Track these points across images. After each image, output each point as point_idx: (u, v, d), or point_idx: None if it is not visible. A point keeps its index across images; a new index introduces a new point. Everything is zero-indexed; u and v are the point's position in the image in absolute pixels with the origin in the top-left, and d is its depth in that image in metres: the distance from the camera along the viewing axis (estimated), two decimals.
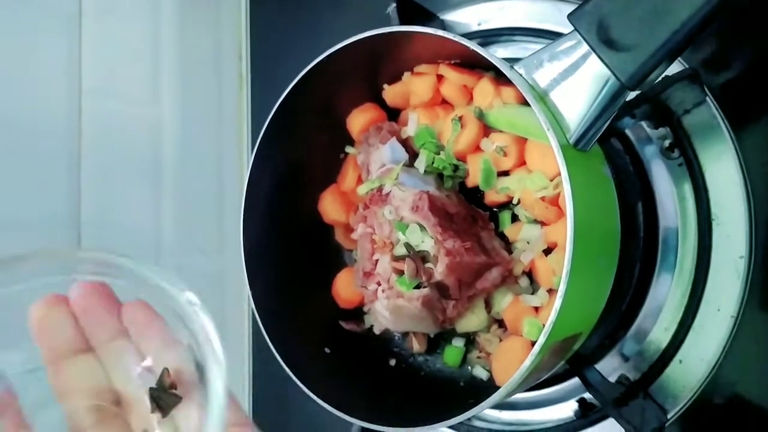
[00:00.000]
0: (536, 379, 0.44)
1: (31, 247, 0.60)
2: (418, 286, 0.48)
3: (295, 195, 0.55)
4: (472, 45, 0.40)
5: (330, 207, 0.55)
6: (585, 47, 0.37)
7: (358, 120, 0.53)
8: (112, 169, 0.66)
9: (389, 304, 0.49)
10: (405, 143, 0.52)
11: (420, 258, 0.48)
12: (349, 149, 0.55)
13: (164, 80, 0.71)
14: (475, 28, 0.59)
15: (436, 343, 0.54)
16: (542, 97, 0.39)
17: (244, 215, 0.50)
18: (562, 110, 0.39)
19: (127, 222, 0.68)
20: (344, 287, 0.55)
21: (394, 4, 0.54)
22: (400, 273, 0.48)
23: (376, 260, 0.50)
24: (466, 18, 0.59)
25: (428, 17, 0.59)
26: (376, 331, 0.54)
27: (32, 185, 0.60)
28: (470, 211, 0.50)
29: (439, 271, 0.47)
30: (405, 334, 0.55)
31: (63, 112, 0.62)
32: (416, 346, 0.54)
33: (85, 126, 0.64)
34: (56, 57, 0.62)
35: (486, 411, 0.58)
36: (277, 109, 0.49)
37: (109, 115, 0.65)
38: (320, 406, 0.46)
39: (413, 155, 0.51)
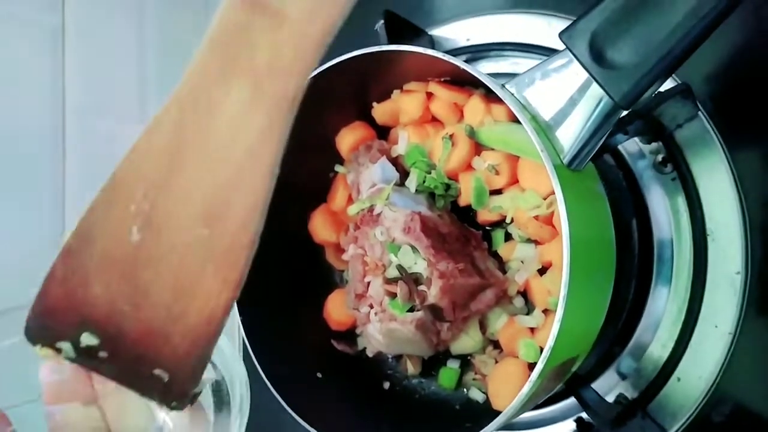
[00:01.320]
0: (533, 404, 0.44)
1: (15, 271, 0.59)
2: (411, 309, 0.47)
3: (284, 215, 0.53)
4: (461, 63, 0.40)
5: (320, 227, 0.54)
6: (577, 66, 0.36)
7: (348, 139, 0.52)
8: (97, 189, 0.65)
9: (382, 328, 0.48)
10: (395, 162, 0.51)
11: (413, 280, 0.47)
12: (338, 168, 0.54)
13: (151, 97, 0.70)
14: (463, 43, 0.58)
15: (431, 365, 0.53)
16: (534, 116, 0.38)
17: None
18: (555, 130, 0.38)
19: None
20: (336, 309, 0.54)
21: (382, 21, 0.53)
22: (393, 295, 0.47)
23: (368, 282, 0.49)
24: (454, 33, 0.59)
25: (416, 33, 0.58)
26: (369, 353, 0.53)
27: (16, 207, 0.59)
28: (463, 230, 0.49)
29: (433, 293, 0.46)
30: (399, 357, 0.54)
31: (47, 132, 0.61)
32: (411, 368, 0.53)
33: (69, 145, 0.62)
34: (39, 74, 0.61)
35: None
36: None
37: (94, 134, 0.64)
38: None
39: (404, 174, 0.50)
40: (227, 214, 0.29)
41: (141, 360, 0.28)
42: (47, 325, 0.28)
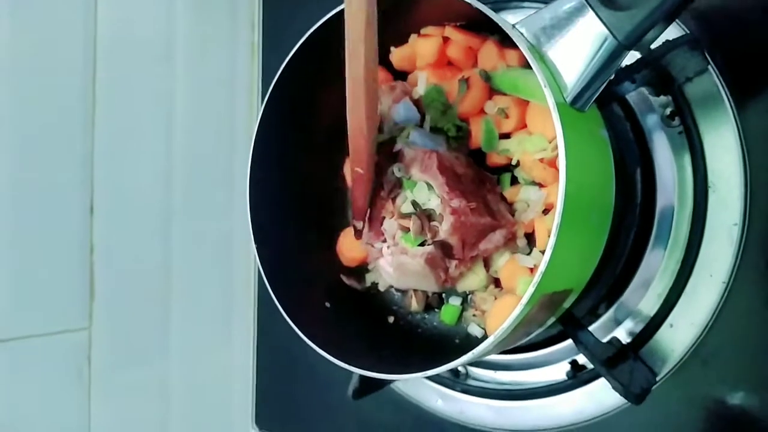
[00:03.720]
0: (526, 334, 0.46)
1: (45, 192, 0.62)
2: (422, 244, 0.49)
3: (301, 155, 0.56)
4: (476, 4, 0.41)
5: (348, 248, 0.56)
6: (585, 6, 0.37)
7: None
8: (125, 129, 0.68)
9: (394, 261, 0.50)
10: (417, 104, 0.53)
11: (426, 216, 0.49)
12: None
13: (178, 45, 0.72)
14: None
15: (434, 302, 0.55)
16: (542, 56, 0.40)
17: (250, 174, 0.52)
18: (561, 69, 0.39)
19: (138, 183, 0.69)
20: (348, 245, 0.56)
21: None
22: (406, 230, 0.49)
23: (383, 218, 0.51)
24: None
25: None
26: (381, 288, 0.55)
27: (47, 144, 0.62)
28: (478, 173, 0.51)
29: (444, 229, 0.48)
30: (404, 293, 0.56)
31: (78, 65, 0.63)
32: (414, 304, 0.55)
33: (100, 81, 0.65)
34: (73, 19, 0.63)
35: (481, 371, 0.60)
36: (285, 68, 0.50)
37: (124, 70, 0.66)
38: (322, 357, 0.47)
39: (424, 116, 0.52)
40: None
41: None
42: None
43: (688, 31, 0.47)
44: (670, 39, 0.44)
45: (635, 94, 0.52)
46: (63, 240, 0.63)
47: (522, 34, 0.40)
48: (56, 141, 0.62)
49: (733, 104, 0.49)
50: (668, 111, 0.51)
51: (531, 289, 0.37)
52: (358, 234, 0.53)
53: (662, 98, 0.51)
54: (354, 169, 0.49)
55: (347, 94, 0.45)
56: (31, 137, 0.60)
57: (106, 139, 0.66)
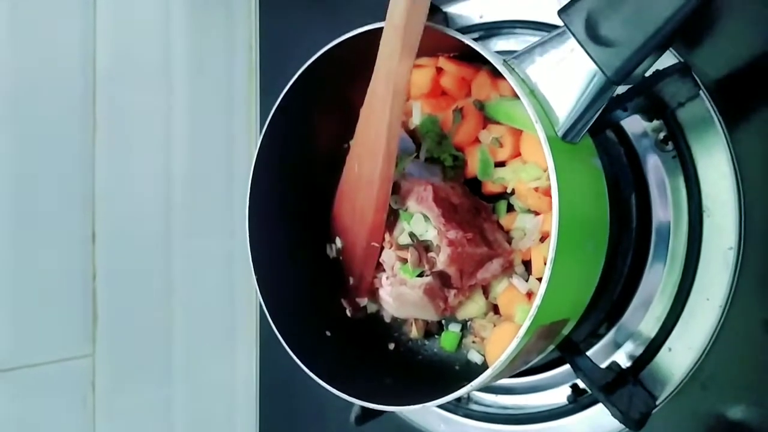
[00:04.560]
0: (525, 362, 0.46)
1: (47, 220, 0.62)
2: (421, 275, 0.49)
3: (301, 181, 0.56)
4: (467, 39, 0.42)
5: None
6: (574, 42, 0.38)
7: None
8: (125, 151, 0.68)
9: (393, 291, 0.51)
10: (412, 134, 0.53)
11: (423, 247, 0.49)
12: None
13: (177, 65, 0.72)
14: (477, 20, 0.60)
15: (433, 329, 0.56)
16: (532, 90, 0.40)
17: (249, 200, 0.52)
18: (552, 103, 0.40)
19: (139, 204, 0.70)
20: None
21: None
22: (404, 261, 0.50)
23: (381, 249, 0.52)
24: (468, 10, 0.60)
25: (432, 9, 0.60)
26: (387, 318, 0.56)
27: (48, 172, 0.62)
28: (474, 202, 0.51)
29: (442, 260, 0.48)
30: (404, 320, 0.57)
31: (78, 93, 0.64)
32: (414, 332, 0.55)
33: (99, 108, 0.65)
34: (71, 38, 0.63)
35: (483, 395, 0.60)
36: (283, 98, 0.50)
37: (122, 97, 0.67)
38: (323, 388, 0.47)
39: (419, 147, 0.53)
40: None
41: None
42: None
43: (680, 59, 0.48)
44: (660, 69, 0.45)
45: (628, 119, 0.52)
46: (65, 268, 0.63)
47: (513, 69, 0.41)
48: (57, 169, 0.63)
49: (725, 128, 0.49)
50: (661, 135, 0.51)
51: (528, 322, 0.38)
52: (354, 311, 0.54)
53: (655, 123, 0.52)
54: (371, 244, 0.51)
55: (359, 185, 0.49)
56: (31, 164, 0.61)
57: (106, 165, 0.66)
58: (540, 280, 0.47)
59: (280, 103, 0.51)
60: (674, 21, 0.35)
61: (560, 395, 0.56)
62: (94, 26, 0.65)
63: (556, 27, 0.51)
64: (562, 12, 0.38)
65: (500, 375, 0.43)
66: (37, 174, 0.61)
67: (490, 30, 0.59)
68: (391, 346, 0.56)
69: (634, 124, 0.53)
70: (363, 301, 0.56)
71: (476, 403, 0.60)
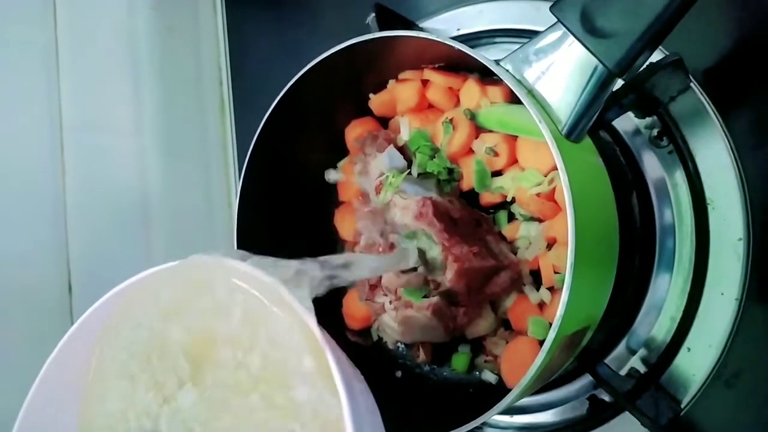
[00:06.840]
0: (547, 378, 0.44)
1: (22, 281, 0.59)
2: (426, 295, 0.47)
3: (287, 218, 0.54)
4: (457, 45, 0.40)
5: (342, 223, 0.55)
6: (570, 38, 0.37)
7: (356, 131, 0.53)
8: (98, 203, 0.65)
9: (398, 316, 0.48)
10: (402, 151, 0.51)
11: (426, 265, 0.47)
12: (341, 163, 0.55)
13: (146, 110, 0.70)
14: (454, 33, 0.59)
15: (442, 352, 0.53)
16: (530, 91, 0.39)
17: (237, 243, 0.50)
18: (552, 102, 0.38)
19: (118, 256, 0.67)
20: (354, 306, 0.54)
21: (373, 14, 0.54)
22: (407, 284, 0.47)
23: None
24: (444, 24, 0.59)
25: (407, 25, 0.59)
26: (390, 345, 0.53)
27: (18, 223, 0.59)
28: (473, 214, 0.49)
29: (448, 278, 0.46)
30: (410, 345, 0.54)
31: (46, 149, 0.61)
32: (422, 356, 0.53)
33: (68, 161, 0.63)
34: (35, 93, 0.61)
35: (497, 417, 0.57)
36: (261, 131, 0.48)
37: (92, 149, 0.64)
38: None
39: (410, 162, 0.51)
40: None
41: None
42: None
43: (667, 53, 0.47)
44: (653, 61, 0.44)
45: (619, 118, 0.51)
46: (42, 319, 0.60)
47: (507, 70, 0.39)
48: (30, 223, 0.60)
49: (720, 118, 0.49)
50: (655, 132, 0.51)
51: (552, 334, 0.36)
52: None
53: (647, 120, 0.51)
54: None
55: None
56: (4, 220, 0.58)
57: (79, 216, 0.63)
58: (551, 289, 0.46)
59: (259, 134, 0.49)
60: (674, 6, 0.34)
61: (578, 410, 0.54)
62: (57, 80, 0.62)
63: (537, 33, 0.50)
64: (554, 7, 0.37)
65: (525, 393, 0.41)
66: (11, 230, 0.58)
67: (469, 42, 0.58)
68: (399, 374, 0.54)
69: (625, 123, 0.52)
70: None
71: (490, 426, 0.58)
